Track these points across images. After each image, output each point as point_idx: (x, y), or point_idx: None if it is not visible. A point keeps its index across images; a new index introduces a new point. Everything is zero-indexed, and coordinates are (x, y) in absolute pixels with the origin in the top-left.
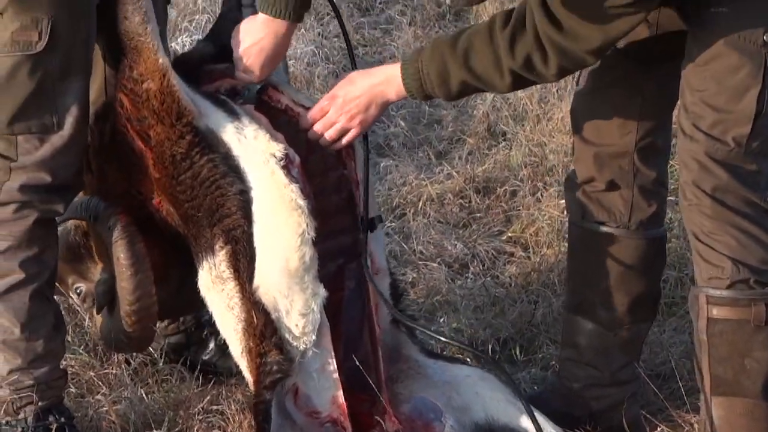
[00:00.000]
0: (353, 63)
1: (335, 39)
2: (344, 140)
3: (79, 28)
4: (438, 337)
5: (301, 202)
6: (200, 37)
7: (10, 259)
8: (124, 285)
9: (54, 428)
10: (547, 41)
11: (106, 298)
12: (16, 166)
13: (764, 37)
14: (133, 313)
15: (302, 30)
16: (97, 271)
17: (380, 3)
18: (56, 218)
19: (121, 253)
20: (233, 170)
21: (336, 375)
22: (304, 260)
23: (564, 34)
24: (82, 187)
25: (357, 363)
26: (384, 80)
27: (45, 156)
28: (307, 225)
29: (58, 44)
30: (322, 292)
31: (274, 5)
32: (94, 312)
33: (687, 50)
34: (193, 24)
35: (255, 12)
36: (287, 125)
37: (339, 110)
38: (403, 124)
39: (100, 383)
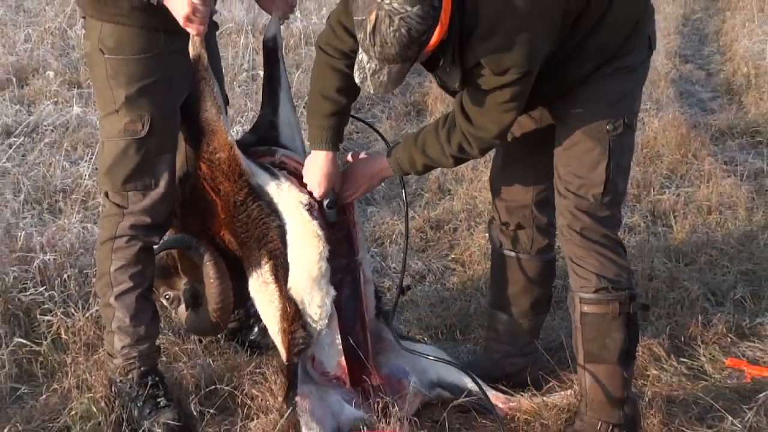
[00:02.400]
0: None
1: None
2: (352, 198)
3: (169, 120)
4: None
5: (320, 232)
6: (248, 127)
7: (123, 273)
8: (213, 291)
9: (149, 384)
10: (467, 132)
11: (191, 300)
12: (127, 212)
13: (607, 127)
14: (219, 310)
15: None
16: (180, 283)
17: (367, 105)
18: (154, 246)
19: (210, 270)
20: (274, 212)
21: (340, 347)
22: (322, 270)
23: (475, 127)
24: (171, 225)
25: (352, 342)
26: (384, 167)
27: (147, 206)
28: (323, 247)
29: (155, 131)
30: (332, 292)
31: (315, 141)
32: (181, 309)
33: (557, 138)
34: (244, 118)
35: (293, 107)
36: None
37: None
38: (383, 183)
39: (182, 354)
